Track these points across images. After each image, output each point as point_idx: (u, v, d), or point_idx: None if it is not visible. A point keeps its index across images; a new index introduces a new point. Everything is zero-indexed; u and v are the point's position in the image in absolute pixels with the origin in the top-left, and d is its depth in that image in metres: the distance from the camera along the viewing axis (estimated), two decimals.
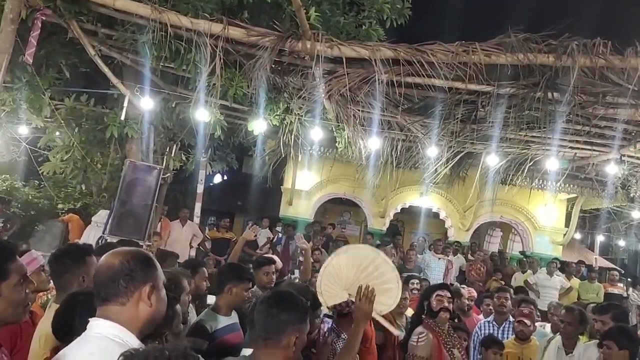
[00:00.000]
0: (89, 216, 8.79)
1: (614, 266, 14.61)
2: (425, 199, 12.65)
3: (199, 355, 1.23)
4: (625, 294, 11.05)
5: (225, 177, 17.61)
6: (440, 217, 13.63)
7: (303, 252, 5.64)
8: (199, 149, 10.08)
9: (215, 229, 11.97)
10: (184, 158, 9.96)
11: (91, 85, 8.59)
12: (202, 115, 7.55)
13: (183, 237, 9.87)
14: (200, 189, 10.78)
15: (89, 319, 1.77)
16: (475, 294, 6.64)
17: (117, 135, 7.75)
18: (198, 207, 10.79)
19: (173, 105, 8.30)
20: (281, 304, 2.18)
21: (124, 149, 8.34)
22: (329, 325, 3.06)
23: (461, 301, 5.94)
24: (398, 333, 3.92)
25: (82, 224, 9.10)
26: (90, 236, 7.62)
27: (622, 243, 18.07)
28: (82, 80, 8.73)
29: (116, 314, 1.75)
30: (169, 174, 9.34)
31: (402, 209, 13.60)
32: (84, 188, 8.81)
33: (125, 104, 7.45)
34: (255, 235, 5.64)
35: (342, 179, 12.63)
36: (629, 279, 12.91)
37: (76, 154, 8.14)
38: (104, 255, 1.86)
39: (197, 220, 10.72)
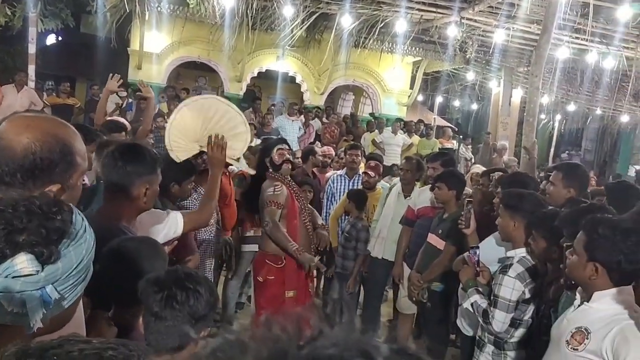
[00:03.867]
0: None
1: (449, 124, 16.22)
2: (281, 62, 12.57)
3: (70, 204, 1.18)
4: (456, 149, 12.55)
5: (61, 38, 15.71)
6: (297, 81, 13.77)
7: (144, 100, 5.24)
8: (27, 1, 8.78)
9: (54, 94, 10.91)
10: (8, 12, 8.64)
11: None
12: None
13: (18, 104, 8.87)
14: (32, 49, 9.54)
15: None
16: (332, 152, 7.08)
17: None
18: (32, 69, 9.64)
19: None
20: (126, 156, 2.13)
21: None
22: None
23: (316, 158, 6.33)
24: (253, 172, 4.15)
25: None
26: None
27: (457, 104, 20.00)
28: None
29: None
30: None
31: (259, 73, 13.43)
32: None
33: None
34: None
35: (196, 41, 11.93)
36: (460, 136, 14.53)
37: None
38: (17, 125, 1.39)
39: (32, 84, 9.64)
